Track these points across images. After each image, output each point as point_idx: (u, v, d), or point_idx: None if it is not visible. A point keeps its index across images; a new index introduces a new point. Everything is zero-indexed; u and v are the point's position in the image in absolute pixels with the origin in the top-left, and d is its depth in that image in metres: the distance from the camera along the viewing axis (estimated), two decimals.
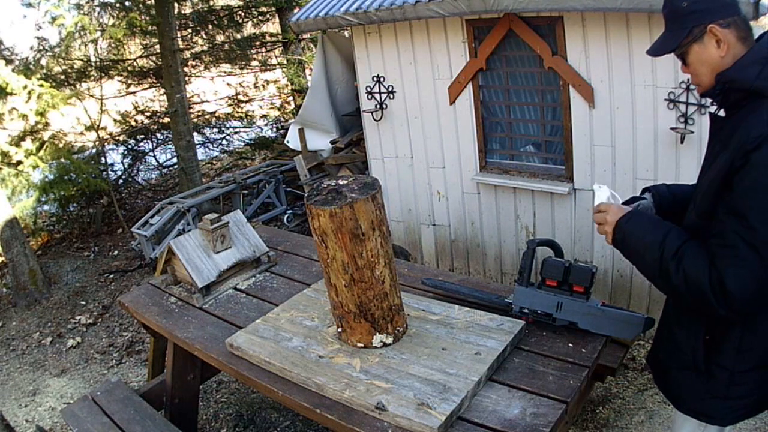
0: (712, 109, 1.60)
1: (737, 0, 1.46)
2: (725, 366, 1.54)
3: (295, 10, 7.28)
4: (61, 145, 6.39)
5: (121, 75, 7.93)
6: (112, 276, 5.83)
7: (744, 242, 1.32)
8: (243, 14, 8.51)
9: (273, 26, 9.19)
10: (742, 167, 1.33)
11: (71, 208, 7.30)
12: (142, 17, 6.53)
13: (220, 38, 8.48)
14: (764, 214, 1.31)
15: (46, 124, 6.12)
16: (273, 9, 8.43)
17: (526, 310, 2.06)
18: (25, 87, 5.12)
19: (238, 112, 9.37)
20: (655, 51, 1.54)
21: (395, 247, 4.69)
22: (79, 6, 6.73)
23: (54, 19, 5.90)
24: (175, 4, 6.99)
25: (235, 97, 9.36)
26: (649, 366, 1.87)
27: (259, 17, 8.68)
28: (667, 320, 1.73)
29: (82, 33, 6.53)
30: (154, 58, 7.94)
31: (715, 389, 1.58)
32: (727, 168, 1.37)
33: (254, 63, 9.36)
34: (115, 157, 8.24)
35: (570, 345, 1.95)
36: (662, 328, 1.77)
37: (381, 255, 1.89)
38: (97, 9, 6.91)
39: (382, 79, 4.41)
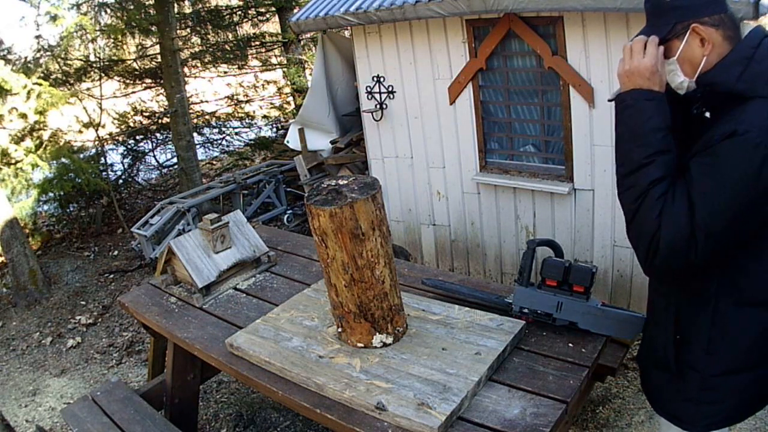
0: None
1: None
2: (696, 368, 1.51)
3: (295, 10, 7.28)
4: (61, 144, 6.38)
5: (121, 75, 7.92)
6: (112, 276, 5.83)
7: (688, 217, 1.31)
8: (242, 14, 8.50)
9: (273, 26, 9.18)
10: (703, 153, 1.31)
11: (71, 208, 7.29)
12: (142, 16, 6.53)
13: (219, 38, 8.47)
14: (711, 201, 1.28)
15: (45, 123, 6.11)
16: (273, 9, 8.42)
17: (526, 310, 2.06)
18: (24, 86, 5.12)
19: (238, 113, 9.36)
20: None
21: (395, 247, 4.69)
22: (78, 5, 6.73)
23: (54, 18, 5.90)
24: (175, 4, 6.98)
25: (234, 98, 9.36)
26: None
27: (258, 17, 8.68)
28: (647, 319, 1.74)
29: (81, 33, 6.53)
30: (153, 59, 7.93)
31: (687, 391, 1.54)
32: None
33: (254, 63, 9.35)
34: (114, 157, 8.23)
35: (570, 345, 1.95)
36: (645, 328, 1.77)
37: (381, 255, 1.89)
38: (96, 8, 6.91)
39: (382, 79, 4.41)
